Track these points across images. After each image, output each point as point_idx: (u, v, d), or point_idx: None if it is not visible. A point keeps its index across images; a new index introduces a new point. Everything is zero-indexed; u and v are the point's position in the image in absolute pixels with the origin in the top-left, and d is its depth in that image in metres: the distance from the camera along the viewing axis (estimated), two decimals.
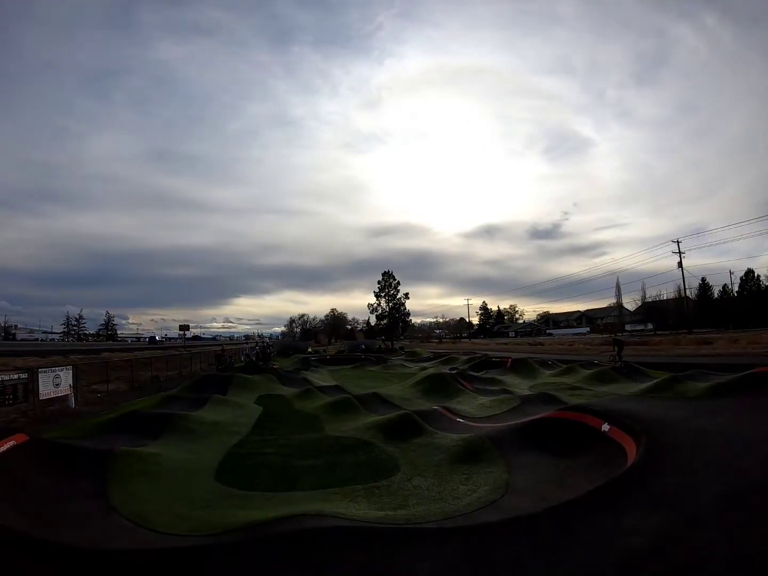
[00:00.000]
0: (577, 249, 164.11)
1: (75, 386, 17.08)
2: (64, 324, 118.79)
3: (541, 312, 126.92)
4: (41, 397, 14.84)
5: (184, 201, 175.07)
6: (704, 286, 77.34)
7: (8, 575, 3.94)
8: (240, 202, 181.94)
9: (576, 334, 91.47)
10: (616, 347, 27.27)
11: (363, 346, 67.97)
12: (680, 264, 62.87)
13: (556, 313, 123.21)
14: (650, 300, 78.66)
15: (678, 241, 62.45)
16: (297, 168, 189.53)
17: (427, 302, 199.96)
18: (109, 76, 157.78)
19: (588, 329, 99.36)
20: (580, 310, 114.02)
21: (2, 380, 13.43)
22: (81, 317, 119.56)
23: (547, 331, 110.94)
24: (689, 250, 65.40)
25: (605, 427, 7.83)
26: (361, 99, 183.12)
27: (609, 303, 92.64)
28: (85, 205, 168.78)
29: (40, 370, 15.46)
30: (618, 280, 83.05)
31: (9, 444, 7.42)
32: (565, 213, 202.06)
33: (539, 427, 9.44)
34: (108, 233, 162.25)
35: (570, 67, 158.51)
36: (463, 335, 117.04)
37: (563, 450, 8.01)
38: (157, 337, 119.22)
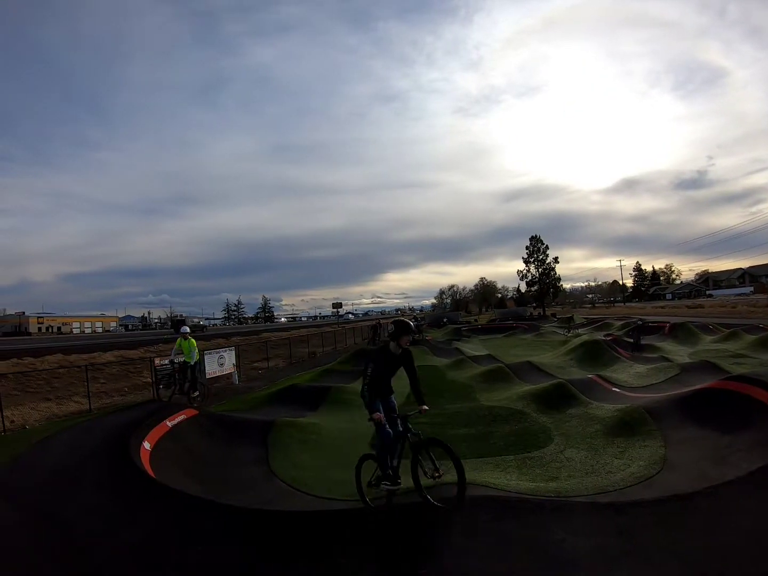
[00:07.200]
0: (729, 197, 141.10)
1: (238, 365, 19.38)
2: (224, 310, 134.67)
3: (699, 271, 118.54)
4: (207, 376, 16.99)
5: (312, 186, 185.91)
6: None
7: (186, 532, 4.67)
8: (364, 181, 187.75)
9: (739, 294, 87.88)
10: None
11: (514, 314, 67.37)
12: None
13: (716, 272, 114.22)
14: None
15: None
16: (412, 141, 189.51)
17: (574, 265, 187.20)
18: (214, 87, 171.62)
19: (752, 289, 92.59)
20: (743, 267, 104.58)
21: (171, 362, 15.50)
22: (239, 303, 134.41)
23: (707, 292, 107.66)
24: None
25: None
26: (461, 61, 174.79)
27: None
28: (221, 203, 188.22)
29: (205, 352, 17.68)
30: None
31: (180, 417, 8.73)
32: (710, 157, 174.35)
33: (699, 399, 8.85)
34: (248, 225, 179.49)
35: None
36: (617, 299, 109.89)
37: (725, 425, 7.47)
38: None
